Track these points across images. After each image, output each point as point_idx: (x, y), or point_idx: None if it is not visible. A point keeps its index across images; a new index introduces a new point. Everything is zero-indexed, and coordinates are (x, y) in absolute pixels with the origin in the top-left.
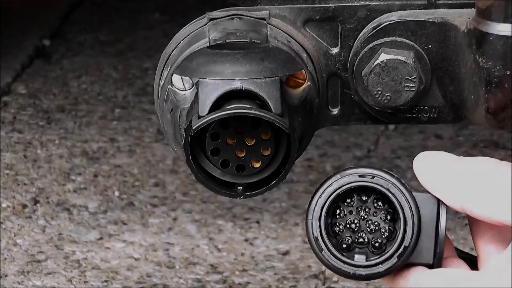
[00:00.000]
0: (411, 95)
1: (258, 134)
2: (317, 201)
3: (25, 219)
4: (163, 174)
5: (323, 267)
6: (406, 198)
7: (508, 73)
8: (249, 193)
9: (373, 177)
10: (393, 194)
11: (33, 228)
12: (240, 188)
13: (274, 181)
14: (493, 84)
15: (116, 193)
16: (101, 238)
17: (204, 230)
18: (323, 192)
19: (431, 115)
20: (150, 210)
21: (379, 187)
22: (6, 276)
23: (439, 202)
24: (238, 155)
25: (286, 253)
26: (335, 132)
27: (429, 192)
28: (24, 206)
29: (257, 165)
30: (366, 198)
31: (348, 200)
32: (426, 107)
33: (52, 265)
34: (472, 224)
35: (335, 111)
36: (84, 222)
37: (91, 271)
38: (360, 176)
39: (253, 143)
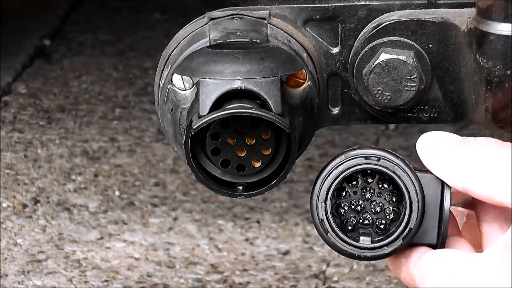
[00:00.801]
0: (411, 94)
1: (259, 133)
2: (322, 183)
3: (26, 218)
4: (163, 174)
5: (324, 267)
6: (412, 180)
7: (508, 73)
8: (249, 192)
9: (378, 159)
10: (399, 176)
11: (33, 227)
12: (240, 187)
13: (275, 180)
14: (493, 84)
15: (117, 193)
16: (101, 238)
17: (204, 230)
18: (329, 174)
19: (432, 115)
20: (150, 210)
21: (385, 169)
22: (6, 276)
23: (443, 182)
24: (238, 155)
25: (286, 253)
26: (335, 132)
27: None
28: (25, 205)
29: (258, 164)
30: (371, 179)
31: (353, 182)
32: (426, 107)
33: (53, 264)
34: (476, 203)
35: (335, 110)
36: (84, 222)
37: (91, 270)
38: (365, 158)
39: (253, 142)
